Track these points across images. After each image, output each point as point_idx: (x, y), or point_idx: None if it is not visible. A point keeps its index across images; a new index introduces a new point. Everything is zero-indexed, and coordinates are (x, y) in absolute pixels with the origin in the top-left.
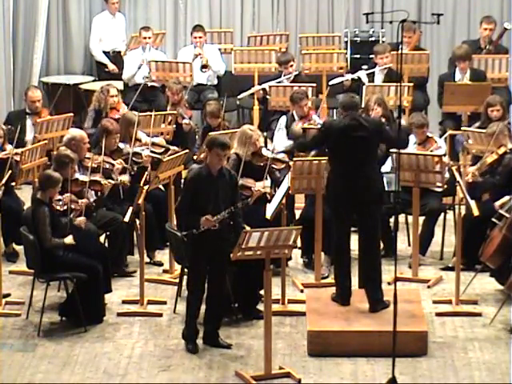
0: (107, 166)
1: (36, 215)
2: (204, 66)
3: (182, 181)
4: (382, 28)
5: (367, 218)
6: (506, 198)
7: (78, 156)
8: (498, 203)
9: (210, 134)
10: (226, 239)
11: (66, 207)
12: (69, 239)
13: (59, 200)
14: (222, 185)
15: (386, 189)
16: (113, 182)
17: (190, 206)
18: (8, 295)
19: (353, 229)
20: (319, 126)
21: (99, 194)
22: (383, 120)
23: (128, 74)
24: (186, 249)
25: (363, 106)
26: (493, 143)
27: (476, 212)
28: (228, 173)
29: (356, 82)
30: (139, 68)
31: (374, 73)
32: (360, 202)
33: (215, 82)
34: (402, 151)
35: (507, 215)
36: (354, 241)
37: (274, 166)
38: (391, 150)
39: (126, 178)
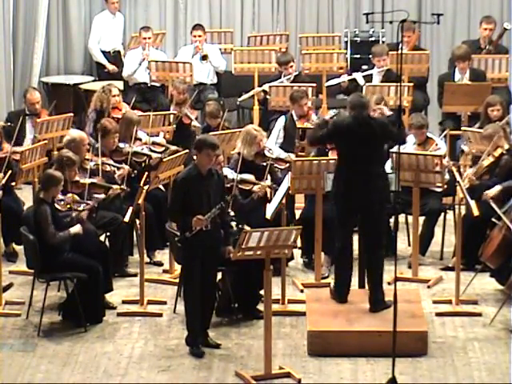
0: (108, 168)
1: (37, 214)
2: (204, 57)
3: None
4: (382, 28)
5: (371, 219)
6: (498, 187)
7: (78, 158)
8: (489, 193)
9: (209, 134)
10: (217, 239)
11: (67, 207)
12: (75, 228)
13: (61, 200)
14: (212, 185)
15: None
16: (119, 187)
17: (182, 208)
18: (10, 286)
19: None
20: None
21: (103, 196)
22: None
23: (128, 71)
24: (179, 253)
25: None
26: (489, 145)
27: (476, 212)
28: (216, 173)
29: (353, 83)
30: (140, 64)
31: (371, 74)
32: (364, 201)
33: (215, 80)
34: (402, 151)
35: (496, 209)
36: (354, 241)
37: (277, 165)
38: (391, 150)
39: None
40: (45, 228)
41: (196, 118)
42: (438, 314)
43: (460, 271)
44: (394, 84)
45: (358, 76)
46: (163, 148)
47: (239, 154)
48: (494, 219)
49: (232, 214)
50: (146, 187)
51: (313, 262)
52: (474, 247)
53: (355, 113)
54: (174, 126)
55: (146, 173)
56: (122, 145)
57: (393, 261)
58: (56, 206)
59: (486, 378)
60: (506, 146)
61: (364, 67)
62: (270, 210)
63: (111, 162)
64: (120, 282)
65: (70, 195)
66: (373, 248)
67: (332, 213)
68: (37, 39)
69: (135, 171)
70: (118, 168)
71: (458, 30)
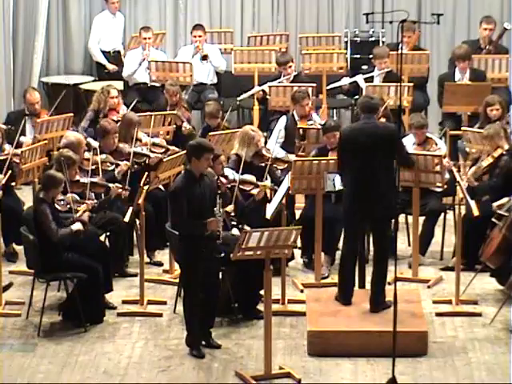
0: (111, 167)
1: (37, 214)
2: (204, 57)
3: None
4: (382, 28)
5: (377, 222)
6: (505, 199)
7: (78, 157)
8: (495, 204)
9: (209, 134)
10: (217, 239)
11: (68, 207)
12: (77, 225)
13: (61, 200)
14: (206, 186)
15: None
16: (120, 186)
17: (186, 215)
18: (10, 285)
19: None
20: (319, 127)
21: (106, 196)
22: (383, 120)
23: (128, 71)
24: (179, 253)
25: None
26: (489, 145)
27: (476, 212)
28: (205, 174)
29: (354, 84)
30: (140, 64)
31: (372, 76)
32: (371, 212)
33: (215, 80)
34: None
35: (506, 214)
36: None
37: (275, 166)
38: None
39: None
40: (46, 226)
41: (188, 120)
42: (438, 314)
43: (460, 271)
44: (394, 84)
45: (360, 79)
46: (163, 149)
47: (237, 154)
48: (493, 219)
49: (232, 214)
50: (146, 187)
51: (313, 261)
52: (474, 247)
53: (364, 118)
54: (174, 126)
55: (146, 173)
56: (122, 145)
57: (393, 261)
58: (56, 206)
59: (486, 378)
60: (506, 147)
61: (364, 67)
62: (270, 209)
63: (111, 158)
64: (120, 281)
65: (69, 195)
66: (378, 252)
67: (337, 214)
68: (37, 39)
69: (135, 166)
70: (117, 165)
71: (458, 30)
